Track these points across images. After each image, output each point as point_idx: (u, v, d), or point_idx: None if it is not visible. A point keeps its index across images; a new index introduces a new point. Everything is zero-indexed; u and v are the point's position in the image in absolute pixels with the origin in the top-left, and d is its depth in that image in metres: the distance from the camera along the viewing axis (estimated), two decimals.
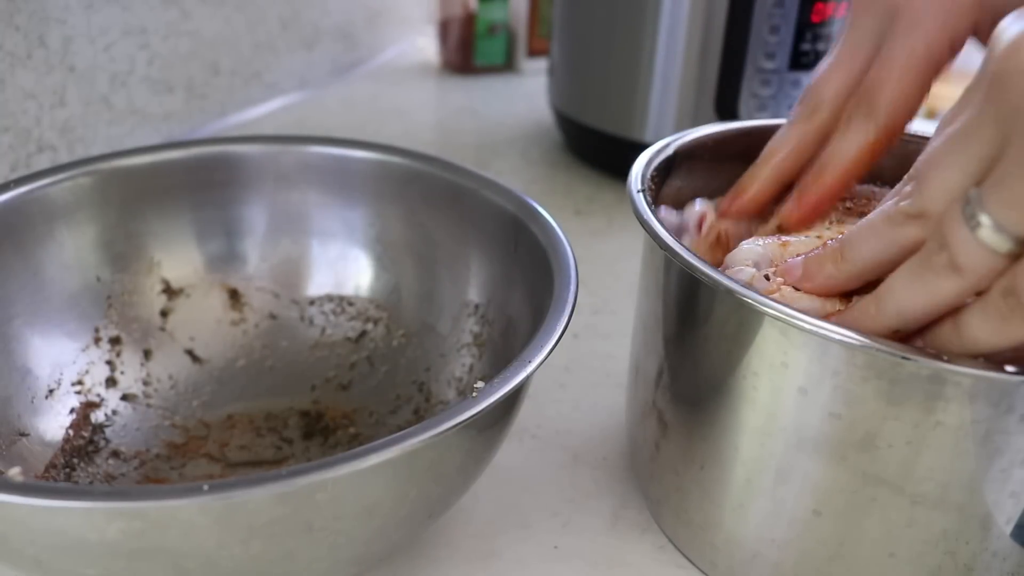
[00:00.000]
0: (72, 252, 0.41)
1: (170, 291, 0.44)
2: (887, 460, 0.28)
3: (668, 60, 0.67)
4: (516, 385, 0.28)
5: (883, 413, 0.27)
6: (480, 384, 0.28)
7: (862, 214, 0.35)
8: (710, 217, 0.37)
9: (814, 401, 0.29)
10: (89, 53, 0.67)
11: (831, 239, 0.31)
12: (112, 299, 0.42)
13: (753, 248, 0.33)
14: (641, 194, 0.35)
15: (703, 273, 0.29)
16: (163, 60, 0.75)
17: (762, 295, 0.28)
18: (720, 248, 0.37)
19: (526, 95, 0.98)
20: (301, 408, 0.44)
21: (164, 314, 0.44)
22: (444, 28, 1.05)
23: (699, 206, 0.38)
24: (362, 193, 0.45)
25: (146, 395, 0.42)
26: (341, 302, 0.46)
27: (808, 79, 0.36)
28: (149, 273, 0.43)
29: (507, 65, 1.06)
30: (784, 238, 0.34)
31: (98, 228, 0.42)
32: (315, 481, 0.24)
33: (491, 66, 1.05)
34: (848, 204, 0.37)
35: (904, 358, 0.25)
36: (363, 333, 0.45)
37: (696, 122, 0.68)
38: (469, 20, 1.01)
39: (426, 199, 0.44)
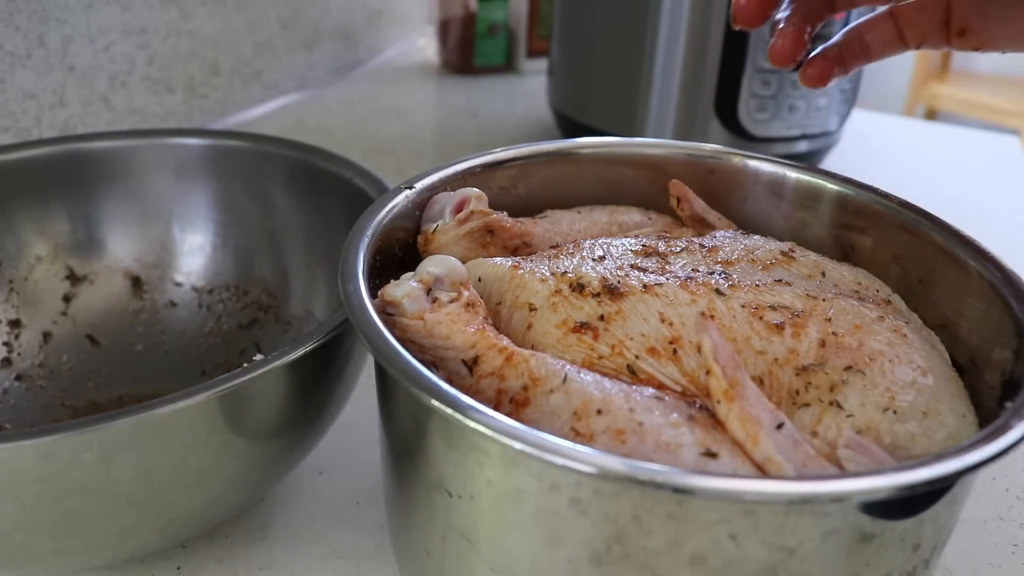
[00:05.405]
0: None
1: (74, 277, 0.45)
2: (460, 511, 0.25)
3: (668, 60, 0.67)
4: (283, 362, 0.29)
5: (447, 456, 0.24)
6: (259, 357, 0.29)
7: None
8: (475, 205, 0.33)
9: (395, 430, 0.27)
10: (89, 53, 0.67)
11: (572, 273, 0.28)
12: (14, 284, 0.44)
13: (448, 261, 0.29)
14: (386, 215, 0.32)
15: (344, 275, 0.27)
16: (163, 60, 0.75)
17: (395, 315, 0.26)
18: (495, 246, 0.33)
19: (526, 95, 0.98)
20: None
21: (67, 299, 0.45)
22: (444, 28, 1.05)
23: (467, 191, 0.34)
24: (257, 184, 0.46)
25: (41, 376, 0.43)
26: (237, 290, 0.47)
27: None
28: (53, 260, 0.45)
29: (507, 65, 1.06)
30: (517, 260, 0.31)
31: None
32: (77, 439, 0.25)
33: (491, 66, 1.05)
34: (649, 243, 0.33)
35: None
36: (254, 320, 0.46)
37: (696, 122, 0.68)
38: (469, 20, 1.01)
39: (312, 188, 0.45)
